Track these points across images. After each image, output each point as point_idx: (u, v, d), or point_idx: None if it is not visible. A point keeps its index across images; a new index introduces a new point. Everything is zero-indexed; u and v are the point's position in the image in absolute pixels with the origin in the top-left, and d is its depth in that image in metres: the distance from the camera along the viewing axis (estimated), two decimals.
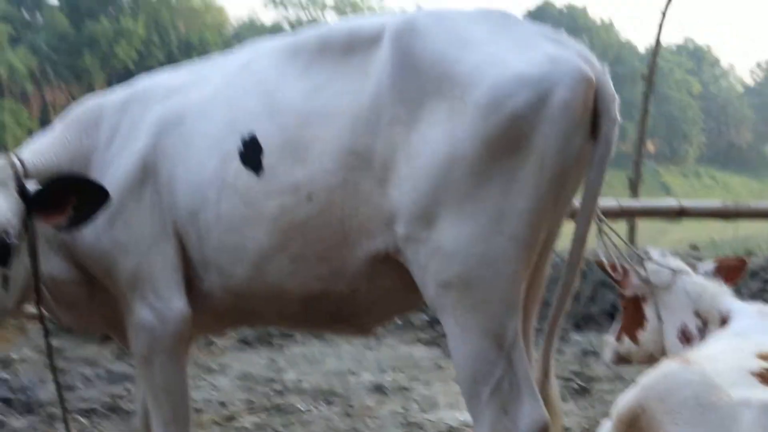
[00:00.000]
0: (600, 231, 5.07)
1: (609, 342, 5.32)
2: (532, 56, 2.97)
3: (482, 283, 3.01)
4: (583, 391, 6.77)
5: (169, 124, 3.41)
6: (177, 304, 3.39)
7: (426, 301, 3.20)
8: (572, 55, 3.01)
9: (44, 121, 54.50)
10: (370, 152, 3.08)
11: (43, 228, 3.27)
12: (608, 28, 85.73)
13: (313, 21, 75.39)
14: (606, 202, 5.63)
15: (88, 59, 57.84)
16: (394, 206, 3.07)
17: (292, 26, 75.66)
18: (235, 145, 3.26)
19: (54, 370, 3.50)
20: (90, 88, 59.65)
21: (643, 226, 12.99)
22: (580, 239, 3.23)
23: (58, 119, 3.66)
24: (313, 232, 3.18)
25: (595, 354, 7.91)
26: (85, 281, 3.50)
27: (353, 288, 3.26)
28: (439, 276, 3.04)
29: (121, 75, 62.29)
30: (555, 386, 3.44)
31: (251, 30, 77.14)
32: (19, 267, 3.10)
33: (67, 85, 57.32)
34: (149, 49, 61.00)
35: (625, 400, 3.50)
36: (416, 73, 3.03)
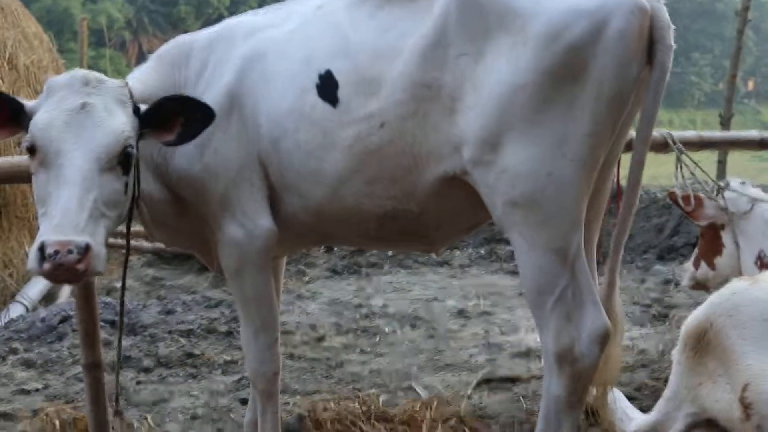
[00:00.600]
0: (678, 161, 5.19)
1: (687, 268, 5.44)
2: None
3: (546, 201, 3.20)
4: (661, 317, 6.88)
5: (252, 60, 3.62)
6: (264, 222, 3.63)
7: (493, 219, 3.39)
8: None
9: None
10: (438, 84, 3.28)
11: (144, 149, 3.55)
12: None
13: None
14: (686, 134, 5.68)
15: (183, 8, 58.63)
16: (462, 132, 3.26)
17: None
18: (311, 80, 3.48)
19: (122, 295, 3.77)
20: None
21: (737, 163, 12.84)
22: (638, 162, 3.39)
23: (152, 55, 3.90)
24: (386, 157, 3.39)
25: (677, 284, 8.00)
26: (174, 201, 3.74)
27: (423, 207, 3.47)
28: (506, 195, 3.23)
29: (215, 22, 62.90)
30: (618, 298, 3.59)
31: None
32: (132, 179, 3.34)
33: (163, 33, 58.28)
34: None
35: (693, 316, 3.65)
36: (480, 10, 3.21)
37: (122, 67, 51.56)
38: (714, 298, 3.61)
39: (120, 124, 3.21)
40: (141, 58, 56.39)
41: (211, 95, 3.57)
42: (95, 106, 3.19)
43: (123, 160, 3.19)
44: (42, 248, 2.93)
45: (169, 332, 6.75)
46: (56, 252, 2.90)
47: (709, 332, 3.51)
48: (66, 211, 3.01)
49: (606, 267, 3.59)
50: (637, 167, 3.40)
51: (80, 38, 17.36)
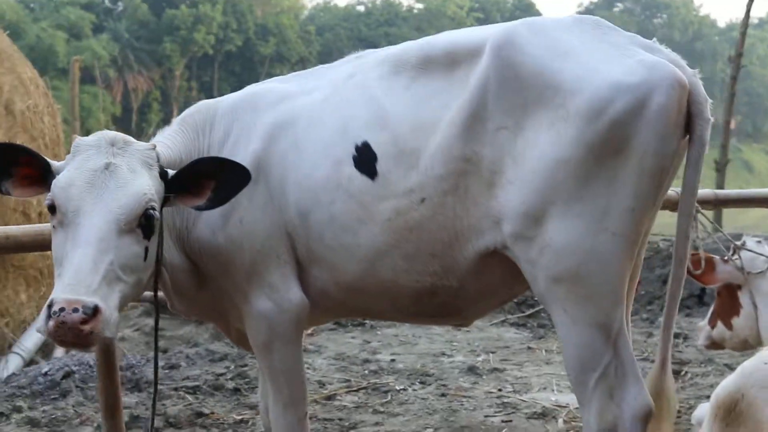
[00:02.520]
0: (694, 220, 5.17)
1: (703, 328, 5.41)
2: (629, 63, 3.13)
3: (590, 276, 3.17)
4: (674, 374, 6.80)
5: (281, 128, 3.58)
6: (293, 295, 3.56)
7: (535, 293, 3.36)
8: (665, 62, 3.15)
9: (126, 106, 55.75)
10: (478, 158, 3.26)
11: (167, 216, 3.48)
12: (687, 3, 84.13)
13: (388, 4, 75.38)
14: (702, 192, 5.68)
15: (168, 45, 58.91)
16: (502, 206, 3.24)
17: (367, 9, 75.83)
18: (347, 152, 3.44)
19: (156, 352, 3.69)
20: (170, 73, 60.77)
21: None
22: (683, 235, 3.38)
23: (175, 119, 3.85)
24: (426, 232, 3.36)
25: (685, 337, 7.98)
26: (195, 272, 3.67)
27: (462, 282, 3.44)
28: (550, 271, 3.20)
29: (200, 60, 63.30)
30: (670, 377, 3.55)
31: (326, 12, 77.58)
32: (154, 245, 3.28)
33: (147, 70, 58.48)
34: (227, 34, 61.83)
35: (724, 386, 3.59)
36: (519, 84, 3.20)
37: (107, 104, 51.60)
38: (746, 367, 3.56)
39: (143, 185, 3.17)
40: (126, 95, 56.49)
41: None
42: (119, 166, 3.16)
43: (144, 223, 3.14)
44: (50, 306, 2.87)
45: (175, 389, 6.65)
46: (62, 309, 2.84)
47: (741, 403, 3.46)
48: (79, 270, 2.95)
49: (658, 347, 3.54)
50: (683, 241, 3.38)
51: (71, 78, 17.39)
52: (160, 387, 6.64)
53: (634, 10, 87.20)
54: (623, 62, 3.15)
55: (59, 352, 9.14)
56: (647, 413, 3.26)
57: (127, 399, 6.38)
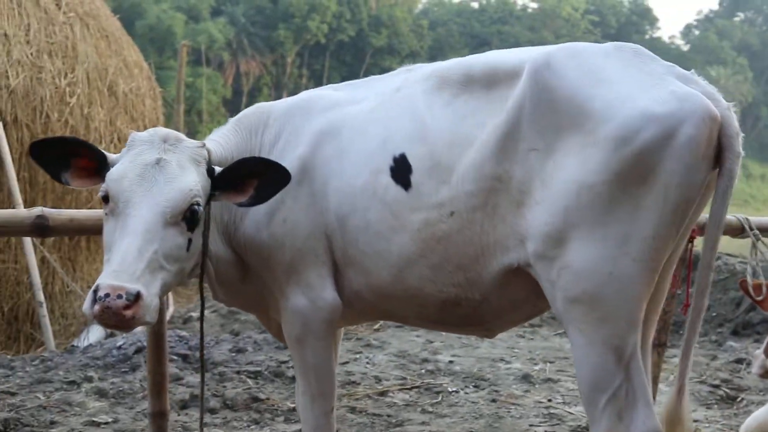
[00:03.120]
0: (754, 247, 5.16)
1: (758, 356, 5.38)
2: (661, 94, 3.17)
3: (607, 300, 3.24)
4: (730, 400, 6.77)
5: (328, 135, 3.75)
6: (328, 294, 3.73)
7: (554, 312, 3.45)
8: (698, 94, 3.18)
9: (237, 90, 56.89)
10: (508, 177, 3.37)
11: (215, 211, 3.71)
12: None
13: (502, 2, 74.90)
14: (764, 219, 5.64)
15: (282, 32, 59.84)
16: (528, 226, 3.34)
17: (480, 5, 75.50)
18: (386, 162, 3.59)
19: (201, 337, 3.89)
20: (282, 60, 61.79)
21: None
22: (706, 266, 3.40)
23: (231, 119, 4.06)
24: (453, 245, 3.49)
25: (749, 363, 7.86)
26: (239, 265, 3.87)
27: (485, 296, 3.56)
28: (568, 292, 3.29)
29: (312, 48, 64.13)
30: (687, 404, 3.58)
31: (440, 7, 77.56)
32: (199, 238, 3.49)
33: (260, 56, 59.56)
34: (340, 24, 62.47)
35: (755, 416, 3.64)
36: (553, 108, 3.28)
37: (218, 87, 52.80)
38: None
39: (190, 181, 3.37)
40: (237, 78, 57.69)
41: (284, 164, 3.70)
42: (169, 162, 3.38)
43: (188, 217, 3.35)
44: (96, 291, 3.08)
45: (238, 372, 6.93)
46: (107, 295, 3.04)
47: None
48: (125, 258, 3.15)
49: (677, 374, 3.58)
50: (707, 272, 3.42)
51: (179, 62, 17.87)
52: (224, 370, 6.94)
53: (756, 21, 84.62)
54: (656, 92, 3.20)
55: (139, 327, 9.55)
56: None
57: (191, 378, 6.68)
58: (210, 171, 3.51)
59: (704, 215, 4.79)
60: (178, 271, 3.41)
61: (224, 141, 3.83)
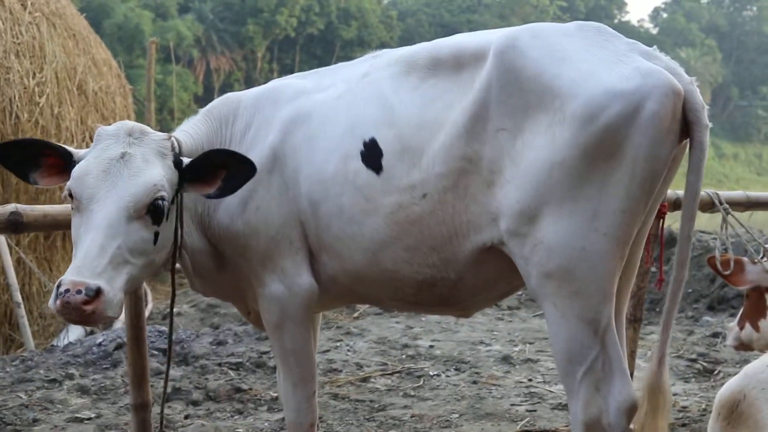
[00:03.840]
0: (724, 221, 5.24)
1: (732, 328, 5.46)
2: (624, 70, 3.23)
3: (580, 273, 3.30)
4: (706, 373, 6.87)
5: (297, 122, 3.77)
6: (303, 280, 3.76)
7: (528, 288, 3.50)
8: (661, 69, 3.23)
9: (208, 86, 56.63)
10: (478, 157, 3.41)
11: (189, 202, 3.73)
12: None
13: None
14: (733, 194, 5.75)
15: (251, 27, 59.58)
16: (500, 204, 3.38)
17: None
18: (356, 147, 3.62)
19: (171, 328, 3.90)
20: (252, 55, 61.60)
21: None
22: (685, 237, 3.46)
23: (201, 110, 4.07)
24: (426, 226, 3.53)
25: (725, 336, 7.97)
26: (215, 255, 3.89)
27: (461, 275, 3.60)
28: (541, 267, 3.34)
29: (281, 43, 63.97)
30: (667, 376, 3.63)
31: None
32: (169, 230, 3.50)
33: (230, 51, 59.33)
34: (309, 17, 62.32)
35: (727, 386, 3.69)
36: (519, 88, 3.33)
37: (189, 84, 52.53)
38: (749, 368, 3.64)
39: (154, 176, 3.38)
40: (208, 75, 57.46)
41: (255, 153, 3.73)
42: (134, 156, 3.38)
43: (153, 211, 3.36)
44: (58, 286, 3.10)
45: (219, 364, 6.95)
46: (67, 290, 3.06)
47: (742, 403, 3.53)
48: (87, 254, 3.18)
49: (657, 345, 3.63)
50: (686, 243, 3.46)
51: (149, 59, 17.78)
52: (205, 362, 6.96)
53: (723, 2, 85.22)
54: (619, 69, 3.26)
55: (118, 324, 9.56)
56: (631, 407, 3.38)
57: (173, 372, 6.69)
58: (177, 163, 3.52)
59: (672, 191, 4.89)
60: (146, 264, 3.43)
61: (194, 131, 3.85)
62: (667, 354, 3.62)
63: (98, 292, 3.10)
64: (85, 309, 3.08)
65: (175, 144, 3.58)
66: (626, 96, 3.20)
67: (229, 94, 4.09)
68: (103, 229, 3.23)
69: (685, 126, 3.32)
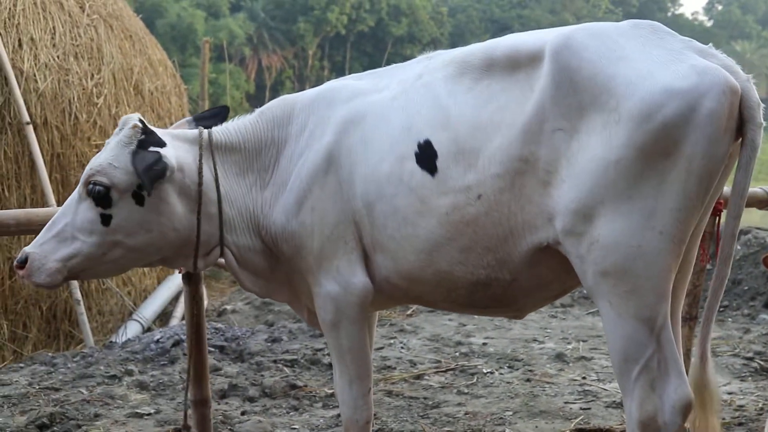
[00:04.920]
0: None
1: None
2: (681, 69, 3.22)
3: (636, 272, 3.30)
4: (763, 371, 6.78)
5: (352, 123, 3.81)
6: (358, 279, 3.81)
7: (584, 287, 3.51)
8: (717, 67, 3.22)
9: (259, 84, 57.02)
10: (535, 158, 3.42)
11: (240, 201, 3.93)
12: None
13: None
14: None
15: (302, 25, 59.75)
16: (556, 204, 3.39)
17: None
18: (411, 148, 3.65)
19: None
20: (303, 53, 61.87)
21: None
22: (730, 235, 3.45)
23: (257, 109, 4.14)
24: (481, 227, 3.55)
25: None
26: (267, 253, 3.98)
27: (515, 275, 3.61)
28: (597, 266, 3.35)
29: (332, 40, 64.15)
30: (712, 372, 3.63)
31: None
32: (124, 214, 3.75)
33: (281, 49, 59.65)
34: (359, 14, 62.38)
35: None
36: (575, 88, 3.34)
37: (241, 82, 52.93)
38: None
39: (94, 161, 3.76)
40: (260, 73, 57.85)
41: (311, 153, 3.81)
42: (107, 145, 3.80)
43: (92, 192, 3.70)
44: None
45: (275, 361, 7.03)
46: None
47: None
48: (44, 229, 3.75)
49: (698, 340, 3.63)
50: (730, 242, 3.46)
51: (202, 58, 17.93)
52: (261, 359, 7.05)
53: None
54: (675, 67, 3.25)
55: (175, 321, 9.73)
56: (687, 405, 3.37)
57: (229, 368, 6.81)
58: (135, 152, 3.73)
59: (728, 188, 4.86)
60: (105, 243, 3.75)
61: (236, 128, 4.01)
62: (709, 350, 3.61)
63: (25, 259, 3.66)
64: (19, 272, 3.68)
65: (205, 136, 3.90)
66: (683, 94, 3.19)
67: (285, 96, 4.16)
68: (62, 208, 3.80)
69: (741, 123, 3.31)
